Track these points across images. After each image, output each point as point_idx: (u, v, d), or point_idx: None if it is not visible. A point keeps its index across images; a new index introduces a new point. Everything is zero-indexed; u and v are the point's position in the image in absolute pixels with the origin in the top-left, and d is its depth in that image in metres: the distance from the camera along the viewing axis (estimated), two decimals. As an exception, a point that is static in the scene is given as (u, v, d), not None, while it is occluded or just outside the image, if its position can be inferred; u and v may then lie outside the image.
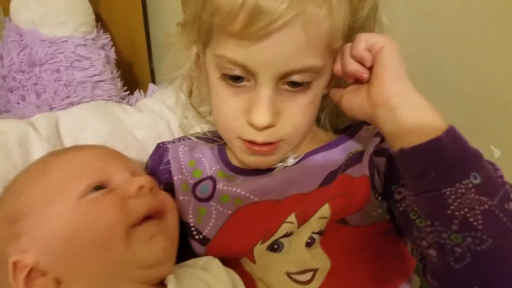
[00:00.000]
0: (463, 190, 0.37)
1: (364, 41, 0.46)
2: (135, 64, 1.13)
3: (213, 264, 0.49)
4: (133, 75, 1.12)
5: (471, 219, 0.37)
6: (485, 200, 0.37)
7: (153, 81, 1.20)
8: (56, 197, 0.44)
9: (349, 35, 0.49)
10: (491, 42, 0.54)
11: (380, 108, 0.44)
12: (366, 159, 0.52)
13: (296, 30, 0.44)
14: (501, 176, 0.40)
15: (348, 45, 0.48)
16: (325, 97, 0.56)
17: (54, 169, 0.48)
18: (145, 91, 0.90)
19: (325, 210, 0.49)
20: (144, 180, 0.48)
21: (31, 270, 0.41)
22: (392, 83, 0.44)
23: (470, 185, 0.37)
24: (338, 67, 0.50)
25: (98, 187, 0.46)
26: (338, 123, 0.65)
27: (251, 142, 0.52)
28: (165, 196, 0.52)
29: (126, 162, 0.54)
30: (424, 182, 0.39)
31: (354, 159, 0.54)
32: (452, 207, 0.37)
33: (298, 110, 0.51)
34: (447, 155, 0.38)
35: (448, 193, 0.37)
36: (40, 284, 0.41)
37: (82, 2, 0.85)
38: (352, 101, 0.50)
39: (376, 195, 0.51)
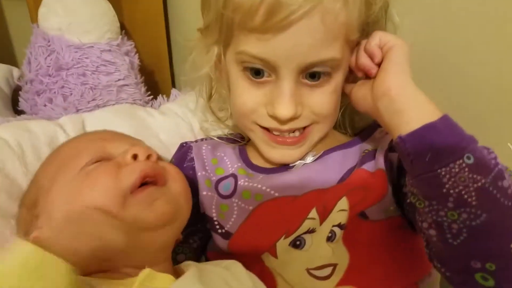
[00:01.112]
0: (457, 170, 0.39)
1: (378, 38, 0.49)
2: (157, 71, 1.16)
3: (236, 266, 0.49)
4: (155, 81, 1.14)
5: (466, 196, 0.39)
6: (479, 178, 0.38)
7: (173, 87, 1.23)
8: (59, 175, 0.47)
9: (364, 30, 0.52)
10: (509, 39, 0.54)
11: (381, 99, 0.46)
12: (380, 155, 0.54)
13: (315, 21, 0.45)
14: (495, 158, 0.41)
15: (364, 40, 0.51)
16: (342, 96, 0.57)
17: (59, 154, 0.51)
18: (167, 96, 0.92)
19: (343, 202, 0.50)
20: (139, 149, 0.49)
21: None
22: (394, 77, 0.46)
23: (464, 165, 0.38)
24: (353, 59, 0.53)
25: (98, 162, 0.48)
26: (355, 121, 0.67)
27: (272, 132, 0.54)
28: (167, 165, 0.53)
29: (129, 139, 0.56)
30: (421, 165, 0.41)
31: (368, 156, 0.56)
32: (447, 186, 0.39)
33: (322, 98, 0.53)
34: (441, 138, 0.40)
35: (443, 173, 0.39)
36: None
37: (108, 10, 0.87)
38: (358, 93, 0.52)
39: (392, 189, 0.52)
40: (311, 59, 0.48)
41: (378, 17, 0.53)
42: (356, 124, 0.67)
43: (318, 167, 0.57)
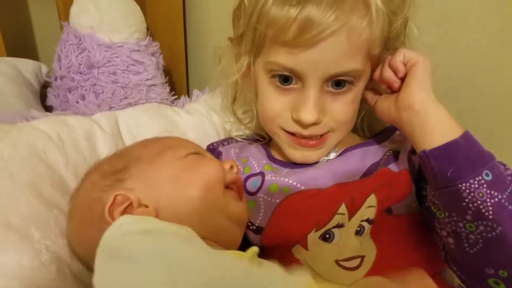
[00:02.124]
0: (476, 185, 0.43)
1: (402, 55, 0.52)
2: (173, 71, 1.19)
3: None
4: (172, 82, 1.17)
5: (483, 210, 0.43)
6: (496, 194, 0.42)
7: (188, 87, 1.26)
8: (165, 153, 0.51)
9: (386, 44, 0.56)
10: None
11: (404, 111, 0.50)
12: (403, 156, 0.57)
13: (341, 38, 0.49)
14: (511, 174, 0.45)
15: (390, 56, 0.54)
16: (362, 102, 0.61)
17: (160, 140, 0.55)
18: (185, 95, 0.95)
19: (372, 199, 0.53)
20: (234, 163, 0.57)
21: (129, 205, 0.45)
22: (417, 91, 0.50)
23: (483, 181, 0.43)
24: (377, 73, 0.56)
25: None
26: (374, 126, 0.70)
27: (296, 136, 0.58)
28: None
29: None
30: (443, 179, 0.45)
31: (391, 158, 0.59)
32: (466, 200, 0.43)
33: (342, 107, 0.56)
34: (463, 155, 0.44)
35: (463, 188, 0.43)
36: (141, 213, 0.45)
37: (136, 11, 0.91)
38: (383, 104, 0.56)
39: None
40: (335, 70, 0.52)
41: (399, 33, 0.57)
42: (374, 128, 0.71)
43: (341, 162, 0.60)
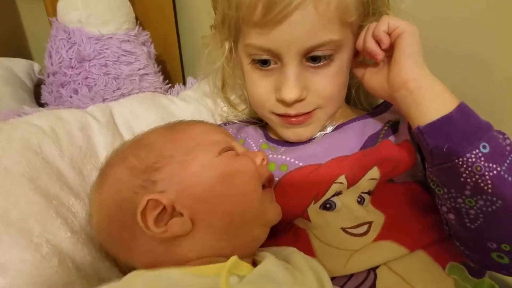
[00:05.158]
0: (473, 159, 0.41)
1: (386, 24, 0.49)
2: (168, 60, 1.19)
3: (296, 256, 0.49)
4: (166, 71, 1.17)
5: (482, 184, 0.41)
6: (494, 167, 0.41)
7: (183, 76, 1.26)
8: (197, 153, 0.47)
9: (365, 9, 0.54)
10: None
11: (398, 91, 0.49)
12: (403, 126, 0.56)
13: (308, 10, 0.49)
14: (510, 144, 0.43)
15: (373, 24, 0.52)
16: (354, 75, 0.60)
17: (188, 135, 0.50)
18: (180, 84, 0.93)
19: (375, 172, 0.52)
20: (265, 155, 0.52)
21: (163, 210, 0.43)
22: (409, 68, 0.48)
23: (480, 154, 0.41)
24: (359, 43, 0.54)
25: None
26: (372, 98, 0.69)
27: (285, 116, 0.57)
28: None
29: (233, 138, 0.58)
30: (439, 155, 0.44)
31: (391, 129, 0.58)
32: (464, 175, 0.42)
33: (325, 81, 0.55)
34: (458, 129, 0.42)
35: (460, 163, 0.42)
36: (177, 223, 0.42)
37: (123, 1, 0.90)
38: (373, 81, 0.55)
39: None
40: (309, 43, 0.51)
41: None
42: (373, 100, 0.70)
43: (339, 135, 0.60)
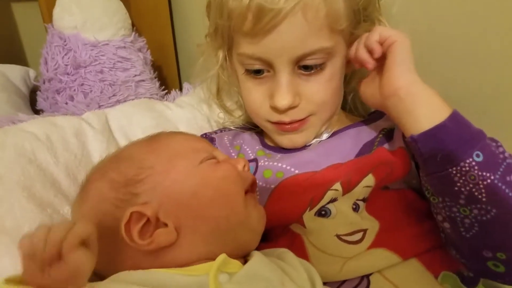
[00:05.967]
0: (467, 168, 0.41)
1: (378, 34, 0.50)
2: (164, 66, 1.19)
3: (289, 255, 0.49)
4: (163, 77, 1.17)
5: (476, 193, 0.41)
6: (488, 175, 0.41)
7: (180, 81, 1.26)
8: (178, 162, 0.47)
9: (356, 16, 0.54)
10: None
11: (389, 99, 0.48)
12: (398, 133, 0.56)
13: (297, 18, 0.49)
14: (503, 152, 0.43)
15: (365, 34, 0.52)
16: (349, 82, 0.61)
17: (169, 146, 0.50)
18: (176, 90, 0.94)
19: (370, 179, 0.52)
20: (247, 162, 0.52)
21: (147, 222, 0.42)
22: (400, 76, 0.48)
23: (473, 163, 0.41)
24: (352, 52, 0.55)
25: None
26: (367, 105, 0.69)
27: (280, 123, 0.58)
28: None
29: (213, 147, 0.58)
30: (433, 164, 0.44)
31: (386, 137, 0.58)
32: (458, 184, 0.42)
33: (318, 87, 0.55)
34: (451, 138, 0.42)
35: (454, 172, 0.42)
36: (162, 234, 0.42)
37: (119, 8, 0.90)
38: (367, 91, 0.55)
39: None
40: (300, 51, 0.52)
41: (367, 4, 0.55)
42: (369, 107, 0.70)
43: (334, 142, 0.60)
